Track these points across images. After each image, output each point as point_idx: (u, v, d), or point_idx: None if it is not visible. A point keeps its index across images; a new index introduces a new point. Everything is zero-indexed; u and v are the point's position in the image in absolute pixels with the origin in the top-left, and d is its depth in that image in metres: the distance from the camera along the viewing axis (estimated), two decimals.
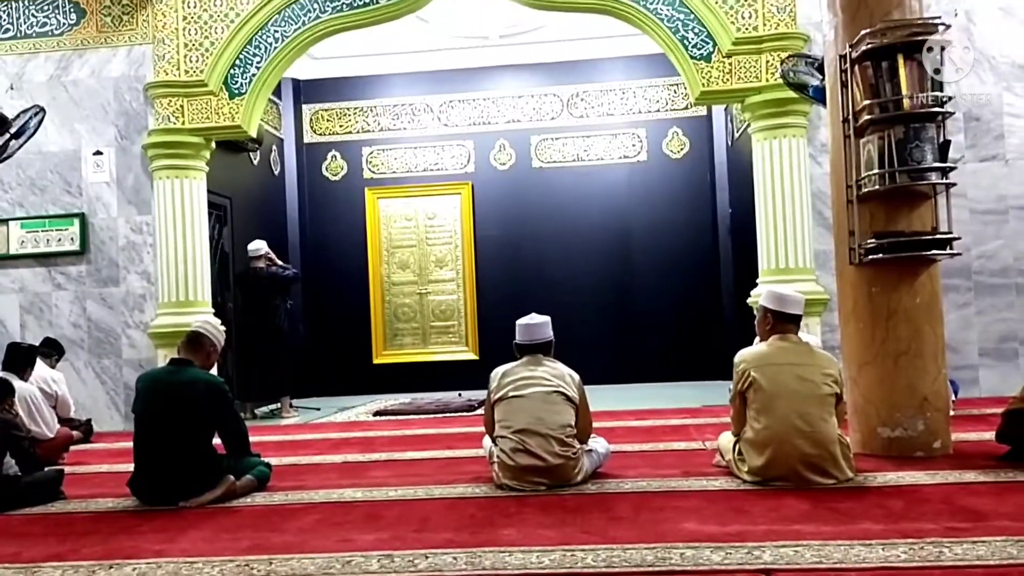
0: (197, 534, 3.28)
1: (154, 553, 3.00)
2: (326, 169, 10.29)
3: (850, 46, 4.34)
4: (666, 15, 6.87)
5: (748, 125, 7.15)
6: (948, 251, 4.27)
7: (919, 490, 3.50)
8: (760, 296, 4.07)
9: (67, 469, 4.59)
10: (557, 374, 3.93)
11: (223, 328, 4.27)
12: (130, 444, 4.14)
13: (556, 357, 4.08)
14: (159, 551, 3.02)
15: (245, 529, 3.33)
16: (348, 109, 10.32)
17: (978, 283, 6.66)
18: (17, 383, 4.90)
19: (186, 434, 3.88)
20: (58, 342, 6.60)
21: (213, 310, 7.31)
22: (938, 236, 4.25)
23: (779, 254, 6.70)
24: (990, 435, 4.27)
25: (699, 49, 6.83)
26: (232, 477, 3.93)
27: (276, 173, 9.80)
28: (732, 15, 6.77)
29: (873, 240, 4.22)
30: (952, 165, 4.25)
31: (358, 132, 10.30)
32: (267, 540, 3.12)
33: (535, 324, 4.04)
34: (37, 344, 6.26)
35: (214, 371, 4.90)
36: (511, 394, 3.88)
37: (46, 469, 4.29)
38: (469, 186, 10.07)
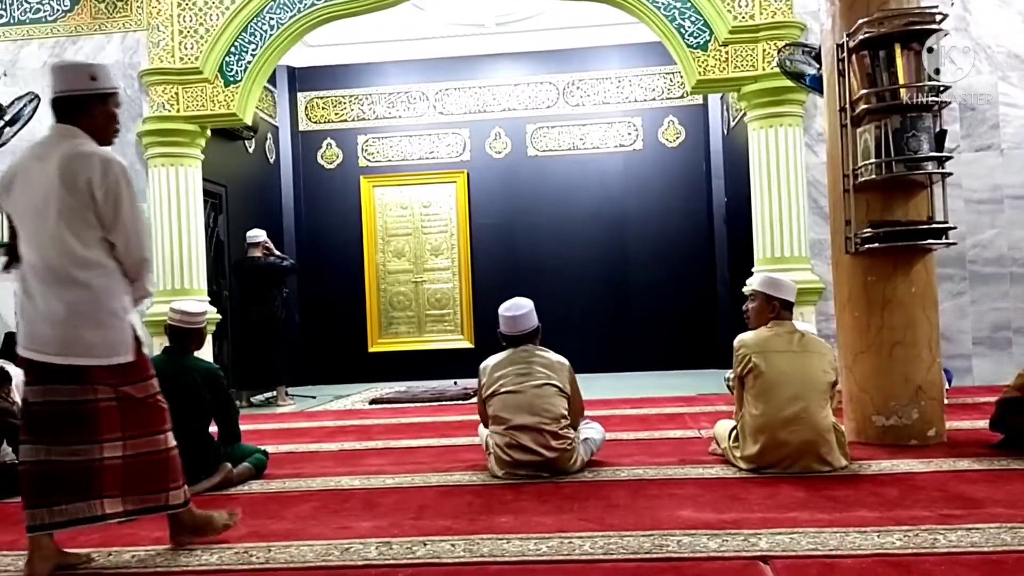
0: None
1: (152, 540, 3.00)
2: (321, 157, 10.26)
3: (847, 35, 4.33)
4: (663, 3, 6.85)
5: (744, 114, 7.15)
6: (944, 240, 4.28)
7: (914, 478, 3.52)
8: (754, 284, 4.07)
9: None
10: (547, 364, 3.90)
11: (197, 309, 4.14)
12: None
13: (551, 346, 4.05)
14: (157, 538, 3.02)
15: (243, 516, 3.33)
16: (343, 97, 10.28)
17: (972, 272, 6.68)
18: (13, 370, 4.88)
19: (184, 422, 3.85)
20: None
21: (209, 299, 7.29)
22: (934, 225, 4.26)
23: (775, 243, 6.71)
24: (984, 423, 4.31)
25: (696, 38, 6.82)
26: (229, 465, 3.94)
27: (271, 161, 9.77)
28: (729, 3, 6.75)
29: (869, 229, 4.23)
30: (948, 155, 4.26)
31: (353, 120, 10.27)
32: (265, 527, 3.13)
33: (519, 315, 3.96)
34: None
35: (208, 355, 4.89)
36: (502, 390, 3.85)
37: None
38: (465, 174, 10.05)
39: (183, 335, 4.02)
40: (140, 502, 2.74)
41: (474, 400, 7.04)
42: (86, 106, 2.70)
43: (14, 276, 2.79)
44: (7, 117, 5.91)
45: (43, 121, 7.08)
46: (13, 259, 2.76)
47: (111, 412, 2.70)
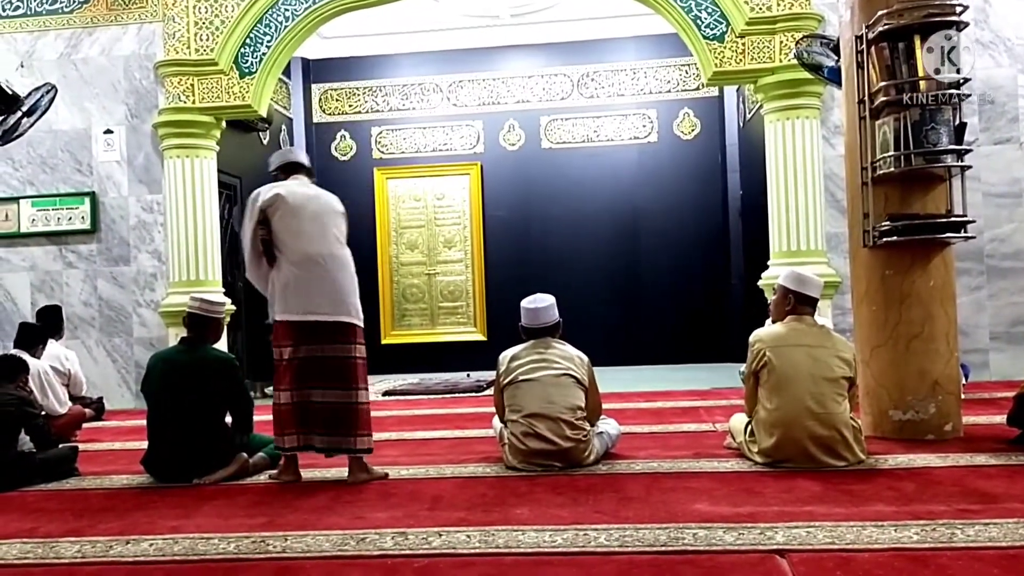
0: (212, 510, 3.30)
1: (170, 529, 3.02)
2: (335, 149, 10.28)
3: (866, 27, 4.30)
4: None
5: (760, 106, 7.11)
6: (962, 234, 4.25)
7: (930, 473, 3.50)
8: (777, 277, 4.05)
9: (80, 446, 4.63)
10: (565, 356, 3.91)
11: (218, 300, 4.25)
12: (142, 422, 4.18)
13: (564, 338, 4.06)
14: (175, 527, 3.04)
15: (259, 506, 3.36)
16: (357, 89, 10.29)
17: (990, 267, 6.63)
18: (29, 360, 4.93)
19: (200, 412, 3.91)
20: (52, 313, 6.22)
21: (223, 289, 7.33)
22: (952, 219, 4.23)
23: (791, 236, 6.68)
24: (1001, 419, 4.28)
25: (712, 29, 6.78)
26: (245, 455, 3.96)
27: None
28: None
29: (887, 223, 4.20)
30: (968, 148, 4.22)
31: (367, 112, 10.28)
32: (281, 517, 3.14)
33: (540, 308, 3.97)
34: (34, 319, 6.22)
35: (223, 347, 4.93)
36: (520, 378, 3.86)
37: (60, 446, 4.32)
38: (478, 167, 10.05)
39: (202, 324, 4.04)
40: (336, 442, 3.78)
41: (487, 392, 7.08)
42: (309, 172, 4.12)
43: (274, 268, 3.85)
44: (24, 108, 5.92)
45: (59, 112, 7.14)
46: (271, 257, 3.84)
47: (362, 365, 3.82)
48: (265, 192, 3.91)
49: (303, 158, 4.13)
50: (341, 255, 3.88)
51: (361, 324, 3.86)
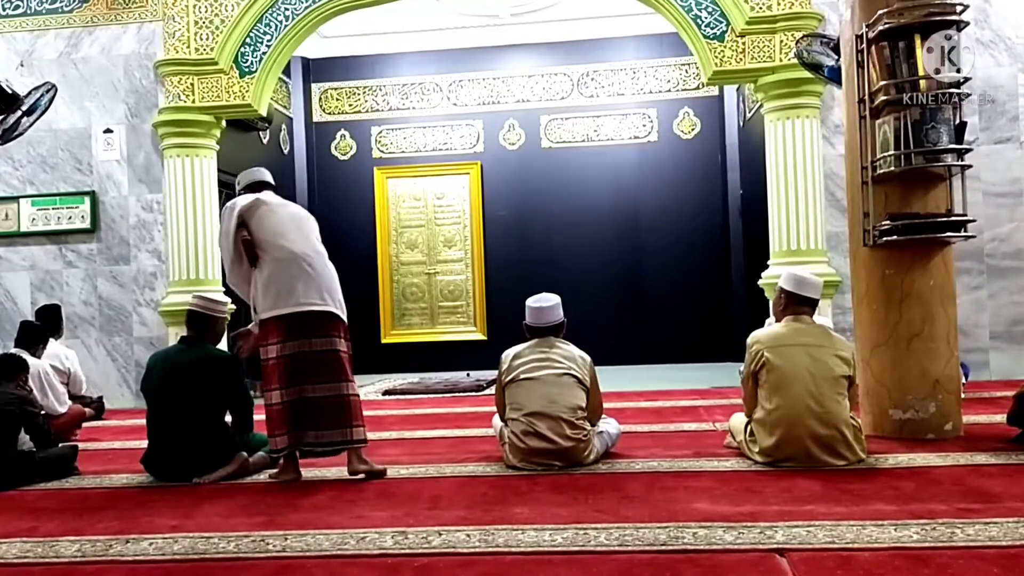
0: (212, 510, 3.30)
1: (170, 528, 3.02)
2: (335, 148, 10.27)
3: (867, 26, 4.30)
4: None
5: (761, 105, 7.11)
6: (963, 233, 4.24)
7: (930, 472, 3.50)
8: (777, 277, 4.05)
9: (80, 445, 4.63)
10: (568, 356, 3.92)
11: (221, 299, 4.28)
12: (142, 421, 4.18)
13: (566, 338, 4.06)
14: (175, 526, 3.04)
15: (259, 505, 3.36)
16: (357, 88, 10.29)
17: (990, 266, 6.63)
18: (29, 359, 4.92)
19: (199, 411, 3.91)
20: (52, 312, 6.18)
21: (223, 289, 7.32)
22: (953, 218, 4.22)
23: (791, 236, 6.68)
24: (1001, 418, 4.28)
25: (712, 28, 6.78)
26: (245, 454, 3.96)
27: (285, 152, 9.79)
28: None
29: (888, 222, 4.20)
30: (968, 147, 4.22)
31: (367, 111, 10.27)
32: (281, 516, 3.14)
33: (545, 307, 4.00)
34: (33, 318, 6.20)
35: (223, 346, 4.94)
36: (522, 376, 3.87)
37: (60, 445, 4.32)
38: (478, 166, 10.04)
39: (204, 323, 4.05)
40: (332, 436, 3.78)
41: (487, 392, 7.08)
42: (275, 190, 4.22)
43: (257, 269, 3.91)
44: (24, 107, 5.91)
45: (59, 111, 7.14)
46: (252, 257, 3.88)
47: (348, 360, 3.89)
48: (242, 199, 4.01)
49: (269, 177, 4.27)
50: (324, 254, 4.02)
51: (346, 320, 3.97)
